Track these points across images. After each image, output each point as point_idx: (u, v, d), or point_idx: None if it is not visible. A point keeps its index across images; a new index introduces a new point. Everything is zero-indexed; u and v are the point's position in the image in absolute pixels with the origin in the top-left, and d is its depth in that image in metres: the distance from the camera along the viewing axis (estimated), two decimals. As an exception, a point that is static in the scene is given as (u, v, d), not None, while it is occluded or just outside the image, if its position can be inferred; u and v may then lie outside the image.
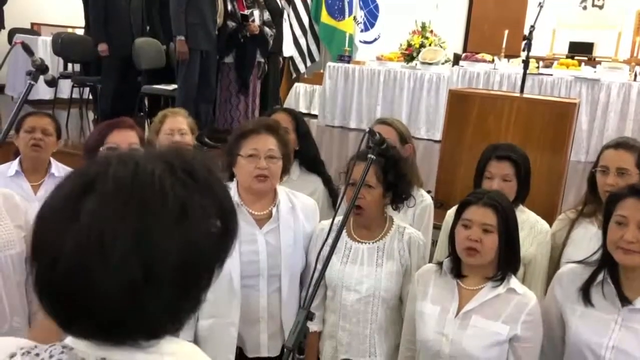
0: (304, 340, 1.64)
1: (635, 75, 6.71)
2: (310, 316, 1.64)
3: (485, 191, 2.00)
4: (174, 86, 5.62)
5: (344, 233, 2.15)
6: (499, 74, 6.98)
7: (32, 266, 0.77)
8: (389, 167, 2.11)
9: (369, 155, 1.96)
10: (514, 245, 1.93)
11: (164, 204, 0.74)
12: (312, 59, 9.44)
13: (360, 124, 7.63)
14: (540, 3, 4.46)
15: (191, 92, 5.38)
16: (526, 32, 4.34)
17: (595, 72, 6.85)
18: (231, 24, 5.55)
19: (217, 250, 0.81)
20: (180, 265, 0.75)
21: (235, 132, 2.26)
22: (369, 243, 2.18)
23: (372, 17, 9.17)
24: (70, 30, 8.26)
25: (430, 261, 2.28)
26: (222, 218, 0.81)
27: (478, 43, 8.70)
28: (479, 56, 7.41)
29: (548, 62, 7.69)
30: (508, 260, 1.91)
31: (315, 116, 8.25)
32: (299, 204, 2.25)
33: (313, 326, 2.17)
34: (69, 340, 0.78)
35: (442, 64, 7.79)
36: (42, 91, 6.61)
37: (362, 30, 9.15)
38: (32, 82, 2.25)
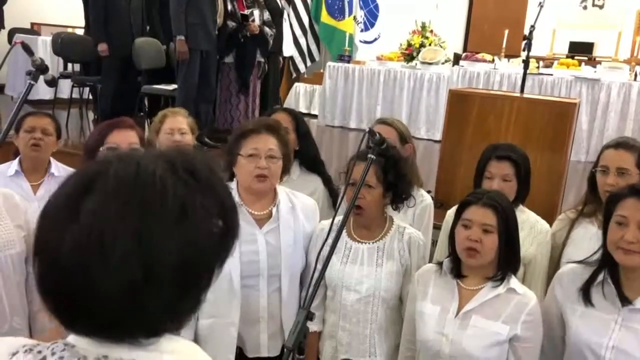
0: (304, 340, 1.63)
1: (636, 75, 6.70)
2: (310, 316, 1.64)
3: (485, 191, 2.00)
4: (174, 86, 5.62)
5: (344, 233, 2.15)
6: (499, 73, 6.98)
7: (33, 265, 0.77)
8: (389, 167, 2.11)
9: (369, 155, 1.96)
10: (514, 245, 1.92)
11: (165, 204, 0.74)
12: (312, 59, 9.43)
13: (360, 123, 7.62)
14: (540, 3, 4.45)
15: (191, 92, 5.38)
16: (526, 32, 4.33)
17: (595, 72, 6.84)
18: (231, 23, 5.55)
19: (218, 250, 0.81)
20: (180, 265, 0.75)
21: (236, 131, 2.26)
22: (369, 243, 2.18)
23: (372, 17, 9.17)
24: (70, 30, 8.26)
25: (430, 261, 2.28)
26: (224, 218, 0.81)
27: (478, 43, 8.69)
28: (479, 56, 7.40)
29: (548, 62, 7.69)
30: (508, 260, 1.91)
31: (315, 116, 8.25)
32: (299, 203, 2.25)
33: (313, 326, 2.16)
34: (71, 338, 0.78)
35: (442, 63, 7.79)
36: (42, 91, 6.61)
37: (362, 30, 9.15)
38: (32, 82, 2.24)
